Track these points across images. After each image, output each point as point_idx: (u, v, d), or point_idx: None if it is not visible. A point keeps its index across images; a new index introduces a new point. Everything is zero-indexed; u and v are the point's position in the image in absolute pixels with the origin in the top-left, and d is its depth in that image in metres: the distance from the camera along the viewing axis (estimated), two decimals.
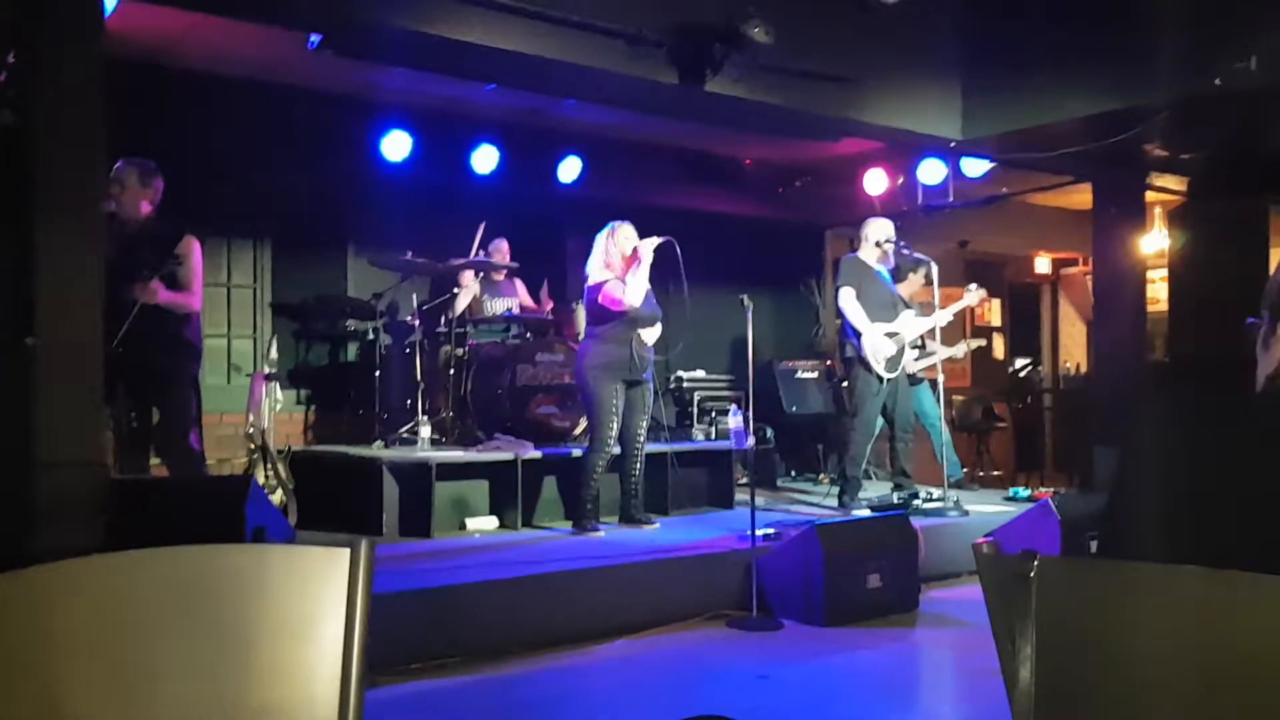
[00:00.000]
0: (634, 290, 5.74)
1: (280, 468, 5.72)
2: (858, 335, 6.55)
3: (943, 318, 6.80)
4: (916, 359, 7.20)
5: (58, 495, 3.47)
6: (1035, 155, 7.11)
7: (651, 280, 5.90)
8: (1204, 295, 7.44)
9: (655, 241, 5.77)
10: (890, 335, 6.60)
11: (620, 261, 5.85)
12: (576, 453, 6.12)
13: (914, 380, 7.28)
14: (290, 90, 6.69)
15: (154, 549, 1.35)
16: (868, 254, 6.76)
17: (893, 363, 6.59)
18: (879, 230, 6.77)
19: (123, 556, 1.35)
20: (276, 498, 5.58)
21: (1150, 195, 8.34)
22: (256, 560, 1.38)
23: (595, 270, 5.90)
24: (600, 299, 5.81)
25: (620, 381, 5.81)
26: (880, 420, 6.89)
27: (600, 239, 5.93)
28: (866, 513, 6.39)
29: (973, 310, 9.63)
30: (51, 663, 1.27)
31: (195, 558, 1.37)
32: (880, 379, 6.55)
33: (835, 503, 6.84)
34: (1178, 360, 8.19)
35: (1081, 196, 8.59)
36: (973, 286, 7.33)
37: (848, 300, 6.56)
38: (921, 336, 7.04)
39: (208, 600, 1.35)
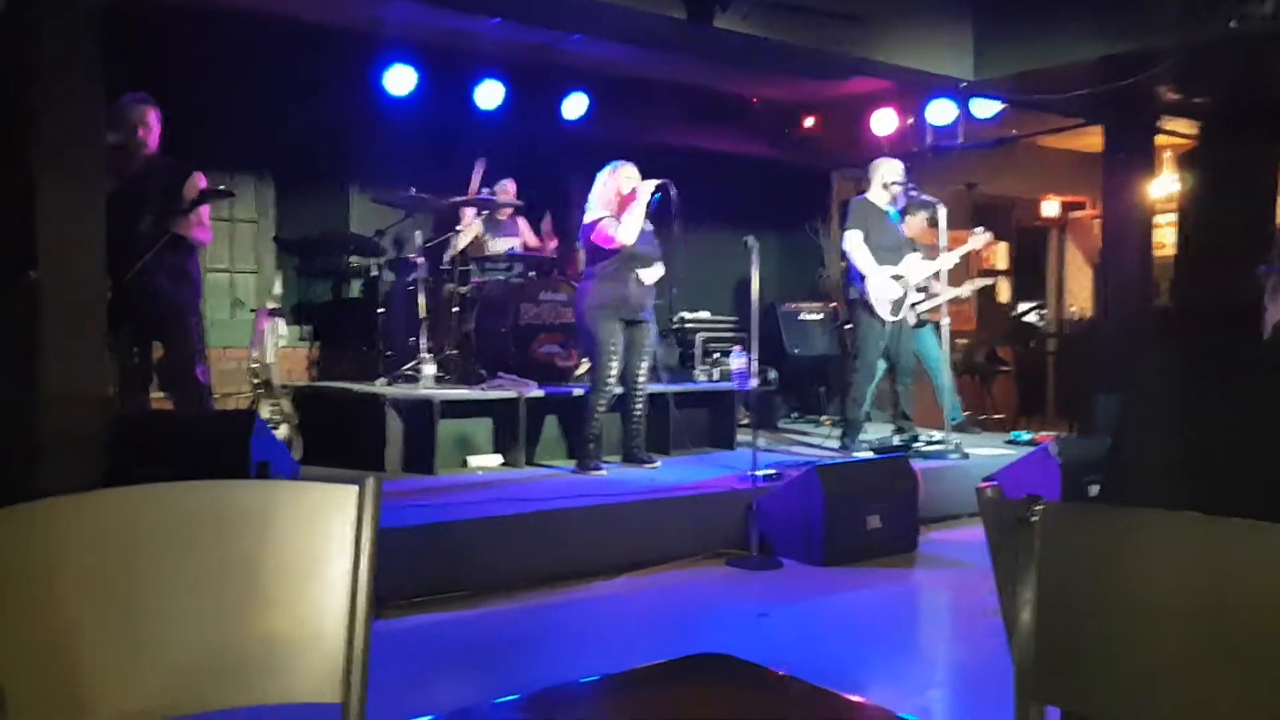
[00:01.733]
0: (627, 229, 5.71)
1: (284, 403, 5.74)
2: (862, 278, 6.52)
3: (948, 261, 6.76)
4: (921, 300, 7.17)
5: (62, 430, 3.49)
6: (1046, 97, 7.02)
7: (654, 222, 5.87)
8: (1212, 241, 7.38)
9: (654, 183, 5.74)
10: (895, 278, 6.57)
11: (617, 200, 5.81)
12: (579, 392, 6.13)
13: (919, 322, 7.25)
14: (293, 23, 6.59)
15: (160, 484, 1.36)
16: (876, 195, 6.69)
17: (896, 306, 6.57)
18: (888, 171, 6.69)
19: (128, 491, 1.35)
20: (281, 433, 5.61)
21: (1161, 139, 8.25)
22: (265, 497, 1.39)
23: (593, 208, 5.86)
24: (594, 237, 5.79)
25: (619, 320, 5.80)
26: (882, 363, 6.89)
27: (602, 176, 5.88)
28: (867, 454, 6.41)
29: (978, 254, 9.56)
30: (57, 598, 1.28)
31: (203, 493, 1.38)
32: (883, 322, 6.53)
33: (836, 444, 6.87)
34: (1184, 306, 8.16)
35: (1091, 139, 8.50)
36: (979, 230, 7.27)
37: (854, 243, 6.51)
38: (926, 278, 7.01)
39: (216, 536, 1.35)
